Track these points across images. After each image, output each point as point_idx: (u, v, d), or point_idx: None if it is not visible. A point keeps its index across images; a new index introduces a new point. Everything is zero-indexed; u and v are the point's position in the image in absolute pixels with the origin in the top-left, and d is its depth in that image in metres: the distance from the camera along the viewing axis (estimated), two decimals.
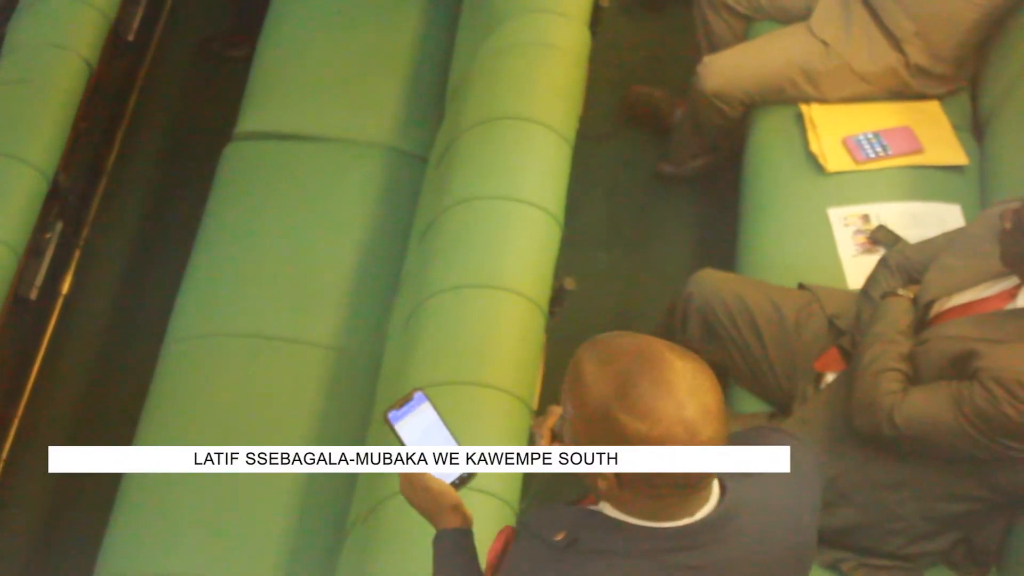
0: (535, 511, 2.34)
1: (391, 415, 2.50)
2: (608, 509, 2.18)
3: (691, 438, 2.03)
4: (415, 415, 2.51)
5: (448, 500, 2.44)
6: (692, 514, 2.14)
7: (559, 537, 2.18)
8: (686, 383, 2.06)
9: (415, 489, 2.46)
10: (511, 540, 2.36)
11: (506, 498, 2.98)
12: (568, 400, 2.15)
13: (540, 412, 3.08)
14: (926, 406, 3.25)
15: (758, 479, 2.25)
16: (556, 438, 2.29)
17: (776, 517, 2.25)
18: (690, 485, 2.09)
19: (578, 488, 2.27)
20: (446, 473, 2.48)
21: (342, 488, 3.47)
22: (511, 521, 2.95)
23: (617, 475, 2.09)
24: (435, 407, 2.52)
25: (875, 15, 4.36)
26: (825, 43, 4.39)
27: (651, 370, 2.07)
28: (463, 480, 2.49)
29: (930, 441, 3.27)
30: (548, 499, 2.34)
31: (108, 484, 3.68)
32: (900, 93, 4.41)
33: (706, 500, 2.15)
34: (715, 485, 2.17)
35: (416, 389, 2.54)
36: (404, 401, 2.52)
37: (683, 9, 5.00)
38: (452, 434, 2.51)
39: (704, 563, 2.15)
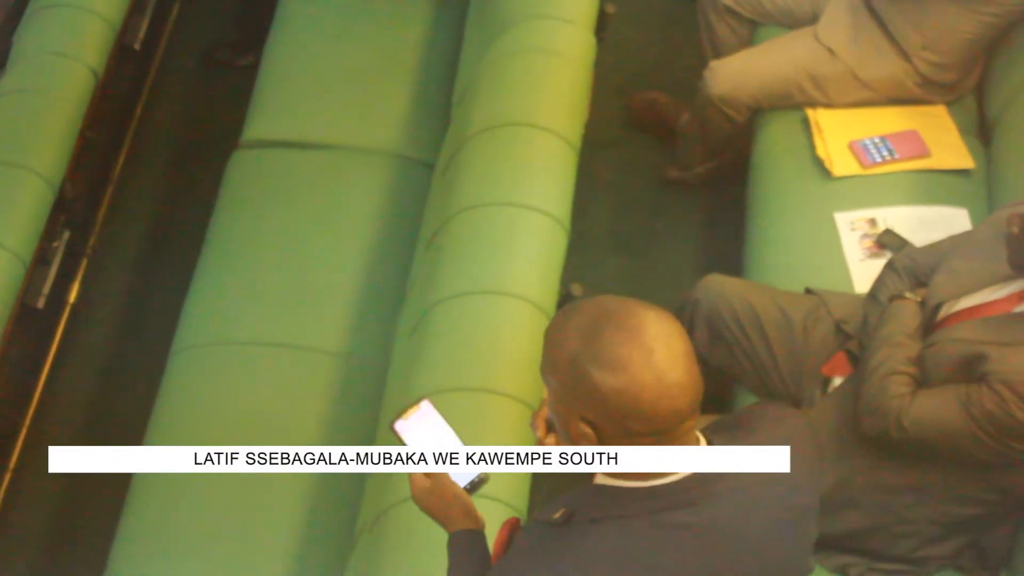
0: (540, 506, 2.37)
1: (398, 425, 2.51)
2: (601, 479, 2.20)
3: (658, 380, 2.06)
4: (422, 425, 2.52)
5: (461, 503, 2.46)
6: (679, 470, 2.15)
7: (557, 515, 2.21)
8: (651, 328, 2.10)
9: (429, 494, 2.47)
10: (516, 530, 2.37)
11: (515, 504, 2.98)
12: (546, 370, 2.19)
13: None
14: (934, 409, 3.25)
15: (747, 437, 2.27)
16: (551, 429, 2.30)
17: (768, 476, 2.26)
18: (666, 431, 2.11)
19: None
20: (458, 480, 2.48)
21: (350, 494, 3.47)
22: None
23: (597, 431, 2.12)
24: (443, 416, 2.52)
25: (883, 26, 4.35)
26: (831, 51, 4.39)
27: (615, 319, 2.11)
28: (474, 486, 2.49)
29: (938, 444, 3.26)
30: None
31: (116, 494, 3.68)
32: (905, 100, 4.41)
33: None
34: (702, 442, 2.20)
35: (423, 398, 2.54)
36: (411, 411, 2.52)
37: (688, 14, 5.00)
38: (461, 441, 2.51)
39: (698, 521, 2.17)
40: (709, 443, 2.21)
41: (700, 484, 2.17)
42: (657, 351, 2.07)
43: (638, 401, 2.07)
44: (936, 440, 3.25)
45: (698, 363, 2.13)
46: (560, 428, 2.21)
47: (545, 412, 2.31)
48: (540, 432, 2.32)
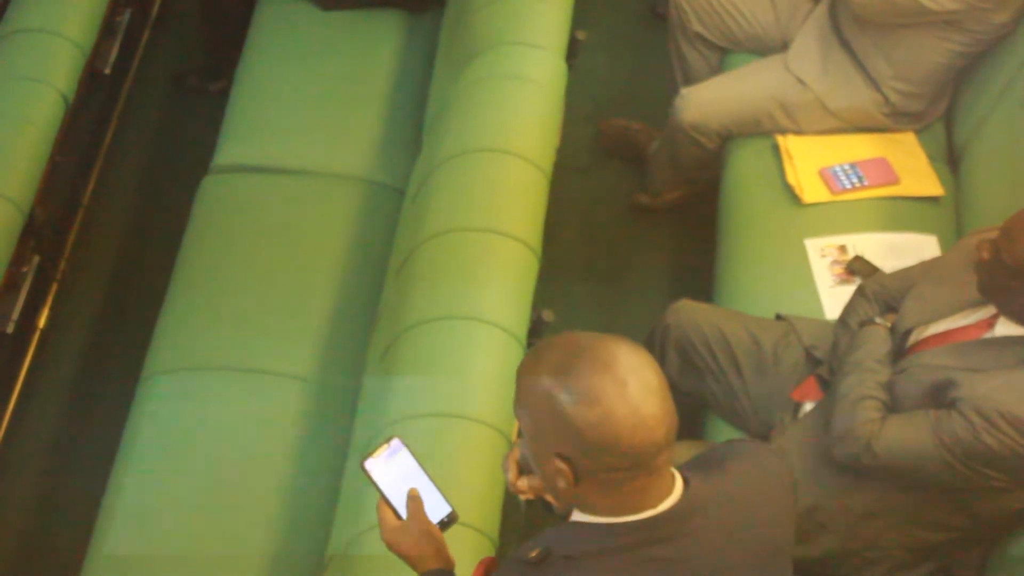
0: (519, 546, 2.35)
1: (368, 463, 2.50)
2: (577, 515, 2.20)
3: (633, 413, 2.07)
4: (393, 462, 2.52)
5: (432, 544, 2.45)
6: (655, 506, 2.16)
7: (533, 554, 2.20)
8: (624, 361, 2.10)
9: (401, 533, 2.46)
10: (491, 570, 2.36)
11: (486, 531, 2.98)
12: (518, 407, 2.19)
13: None
14: (905, 435, 3.25)
15: (721, 474, 2.27)
16: (523, 470, 2.29)
17: (745, 510, 2.26)
18: (641, 465, 2.11)
19: (556, 521, 2.28)
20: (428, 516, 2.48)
21: (321, 520, 3.45)
22: (491, 554, 2.95)
23: (572, 468, 2.11)
24: (413, 454, 2.52)
25: (853, 55, 4.38)
26: (801, 80, 4.41)
27: (587, 353, 2.11)
28: (443, 525, 2.49)
29: (909, 470, 3.27)
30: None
31: (85, 518, 3.66)
32: (874, 129, 4.44)
33: (669, 492, 2.17)
34: (678, 479, 2.19)
35: (393, 436, 2.54)
36: (381, 449, 2.52)
37: (658, 41, 5.02)
38: (431, 479, 2.51)
39: (675, 556, 2.17)
40: (684, 479, 2.21)
41: (677, 519, 2.17)
42: (631, 384, 2.08)
43: (615, 434, 2.06)
44: (906, 465, 3.26)
45: (670, 392, 2.14)
46: (535, 466, 2.21)
47: (516, 454, 2.30)
48: (512, 475, 2.31)
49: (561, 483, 2.14)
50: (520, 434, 2.23)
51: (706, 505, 2.20)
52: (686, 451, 3.46)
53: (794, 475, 2.43)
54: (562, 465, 2.12)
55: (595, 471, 2.11)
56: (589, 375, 2.08)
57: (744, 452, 2.39)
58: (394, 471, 2.51)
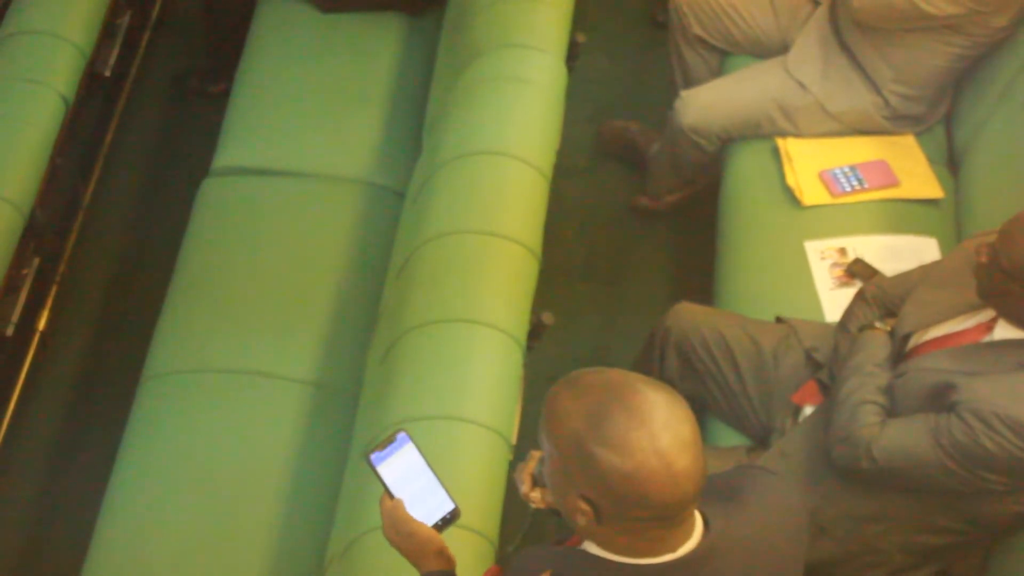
0: (522, 553, 2.34)
1: (373, 457, 2.49)
2: (592, 548, 2.17)
3: (666, 469, 2.03)
4: (398, 457, 2.50)
5: (433, 545, 2.43)
6: (674, 550, 2.14)
7: None
8: (660, 414, 2.06)
9: (400, 533, 2.45)
10: None
11: (487, 534, 2.97)
12: (544, 438, 2.15)
13: (518, 447, 3.09)
14: (904, 439, 3.25)
15: (740, 511, 2.24)
16: (537, 483, 2.28)
17: (760, 553, 2.24)
18: (668, 517, 2.09)
19: (563, 530, 2.27)
20: (430, 515, 2.47)
21: (321, 522, 3.45)
22: (492, 557, 2.95)
23: (596, 510, 2.08)
24: (418, 448, 2.51)
25: (853, 59, 4.39)
26: (801, 83, 4.41)
27: (624, 401, 2.07)
28: (445, 522, 2.48)
29: (908, 474, 3.27)
30: (535, 541, 2.33)
31: (87, 518, 3.65)
32: (873, 132, 4.44)
33: (688, 535, 2.15)
34: (698, 521, 2.17)
35: (399, 430, 2.52)
36: (387, 443, 2.50)
37: (659, 43, 5.02)
38: (436, 474, 2.50)
39: None
40: (705, 519, 2.18)
41: (694, 565, 2.14)
42: (665, 438, 2.04)
43: (645, 488, 2.04)
44: (906, 469, 3.26)
45: (703, 448, 2.10)
46: (555, 495, 2.18)
47: (532, 467, 2.29)
48: (525, 487, 2.30)
49: (582, 520, 2.12)
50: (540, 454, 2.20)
51: (724, 548, 2.17)
52: None
53: (808, 514, 2.42)
54: (585, 507, 2.09)
55: (618, 518, 2.09)
56: (624, 425, 2.05)
57: (764, 488, 2.35)
58: (398, 465, 2.49)
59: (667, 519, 2.09)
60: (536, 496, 2.26)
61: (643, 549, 2.13)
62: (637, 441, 2.03)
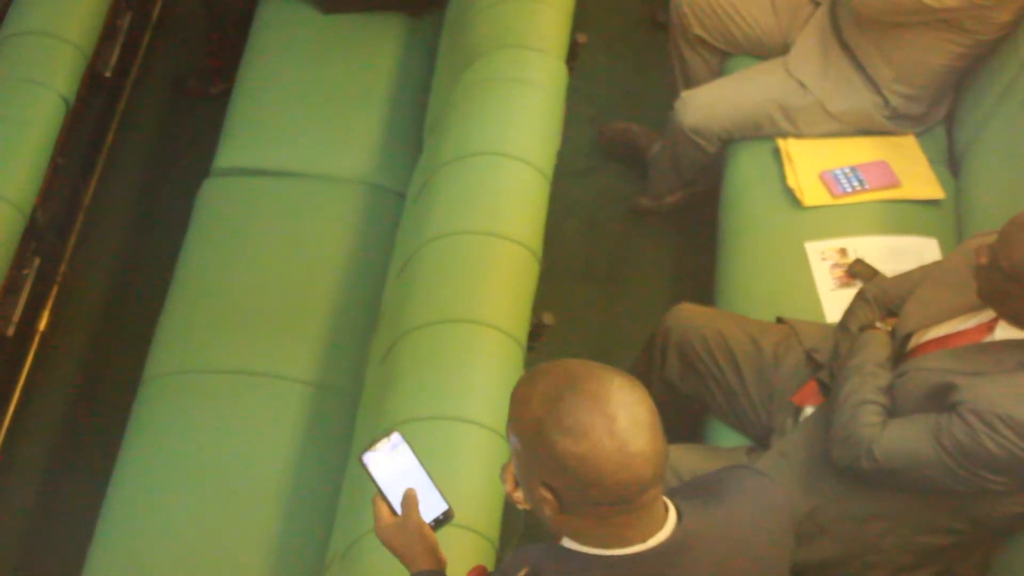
0: (510, 554, 2.35)
1: (366, 457, 2.49)
2: (568, 542, 2.18)
3: (620, 449, 2.04)
4: (391, 457, 2.51)
5: (425, 543, 2.44)
6: (645, 540, 2.14)
7: (521, 574, 2.18)
8: (616, 396, 2.07)
9: (392, 531, 2.46)
10: None
11: (486, 534, 2.97)
12: (509, 430, 2.17)
13: None
14: (905, 439, 3.25)
15: (719, 507, 2.25)
16: (519, 483, 2.29)
17: (739, 554, 2.24)
18: (627, 500, 2.09)
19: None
20: (424, 515, 2.47)
21: (321, 523, 3.45)
22: (492, 557, 2.95)
23: (557, 497, 2.10)
24: (412, 449, 2.51)
25: (854, 58, 4.39)
26: (802, 83, 4.42)
27: (580, 386, 2.08)
28: (439, 523, 2.49)
29: (909, 474, 3.27)
30: (533, 542, 2.33)
31: (88, 515, 3.65)
32: (874, 132, 4.44)
33: (658, 526, 2.15)
34: (672, 513, 2.17)
35: (393, 430, 2.53)
36: (381, 442, 2.51)
37: (659, 44, 5.02)
38: (429, 475, 2.50)
39: None
40: (678, 511, 2.19)
41: (666, 556, 2.15)
42: (620, 419, 2.05)
43: (599, 470, 2.04)
44: (907, 469, 3.26)
45: (662, 430, 2.11)
46: (523, 488, 2.20)
47: (513, 467, 2.30)
48: (509, 486, 2.30)
49: (547, 510, 2.13)
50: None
51: (698, 543, 2.17)
52: (684, 453, 3.48)
53: (793, 516, 2.42)
54: (547, 494, 2.11)
55: (579, 504, 2.10)
56: (578, 408, 2.06)
57: (747, 488, 2.35)
58: (392, 466, 2.50)
59: (626, 502, 2.09)
60: (519, 496, 2.26)
61: (612, 538, 2.14)
62: (591, 423, 2.05)
